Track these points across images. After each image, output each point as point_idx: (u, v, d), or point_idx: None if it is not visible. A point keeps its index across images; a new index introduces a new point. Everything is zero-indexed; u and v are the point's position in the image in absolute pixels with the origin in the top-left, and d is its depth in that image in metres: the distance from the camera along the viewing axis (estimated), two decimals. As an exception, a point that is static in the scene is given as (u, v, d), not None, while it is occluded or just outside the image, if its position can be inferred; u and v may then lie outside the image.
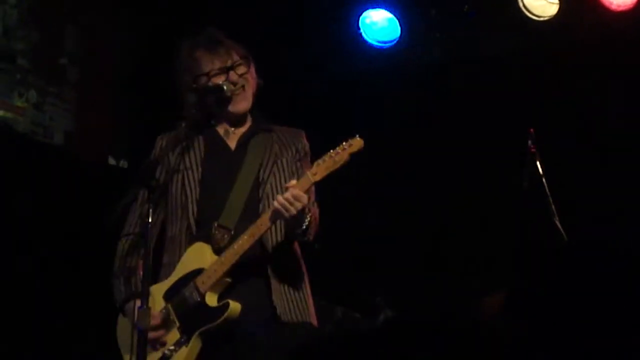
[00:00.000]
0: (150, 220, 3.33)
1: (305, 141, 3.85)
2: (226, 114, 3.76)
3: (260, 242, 3.55)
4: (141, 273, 3.32)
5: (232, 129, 3.80)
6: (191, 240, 3.61)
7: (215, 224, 3.57)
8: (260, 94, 3.85)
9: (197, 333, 3.46)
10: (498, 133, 5.77)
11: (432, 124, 6.14)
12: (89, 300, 4.99)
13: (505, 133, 5.44)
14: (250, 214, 3.58)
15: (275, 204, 3.40)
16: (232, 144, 3.78)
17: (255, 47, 3.86)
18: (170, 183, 3.71)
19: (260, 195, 3.65)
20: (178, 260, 3.61)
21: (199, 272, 3.51)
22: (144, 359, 3.20)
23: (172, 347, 3.51)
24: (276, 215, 3.43)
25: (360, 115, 6.17)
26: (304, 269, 3.74)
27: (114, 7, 6.23)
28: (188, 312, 3.50)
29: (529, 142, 4.46)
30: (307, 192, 3.43)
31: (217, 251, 3.52)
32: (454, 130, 6.02)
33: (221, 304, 3.45)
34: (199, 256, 3.54)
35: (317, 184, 3.47)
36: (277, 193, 3.56)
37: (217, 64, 3.72)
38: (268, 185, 3.66)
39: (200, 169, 3.70)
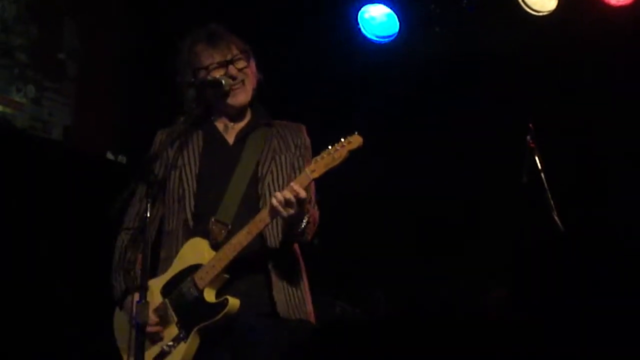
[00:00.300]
0: (148, 215, 3.33)
1: (305, 136, 3.84)
2: (225, 107, 3.76)
3: (260, 238, 3.53)
4: (140, 267, 3.32)
5: (232, 123, 3.79)
6: (188, 235, 3.59)
7: (213, 219, 3.55)
8: (260, 89, 3.84)
9: (195, 329, 3.46)
10: (497, 128, 5.77)
11: (430, 118, 6.14)
12: (88, 295, 4.99)
13: (504, 128, 5.44)
14: (248, 209, 3.56)
15: (274, 201, 3.39)
16: (231, 138, 3.77)
17: (254, 42, 3.86)
18: (168, 178, 3.70)
19: (259, 191, 3.64)
20: (175, 255, 3.59)
21: (196, 267, 3.50)
22: (142, 353, 3.20)
23: (170, 343, 3.50)
24: (274, 212, 3.42)
25: (359, 109, 6.17)
26: (302, 265, 3.73)
27: (113, 3, 6.22)
28: (186, 308, 3.49)
29: (528, 136, 4.46)
30: (306, 189, 3.41)
31: (215, 246, 3.52)
32: (453, 124, 6.02)
33: (220, 300, 3.44)
34: (196, 251, 3.53)
35: (315, 181, 3.46)
36: (276, 189, 3.56)
37: (217, 58, 3.71)
38: (267, 182, 3.65)
39: (198, 164, 3.69)
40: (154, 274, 3.58)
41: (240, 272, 3.51)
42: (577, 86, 5.71)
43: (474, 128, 5.94)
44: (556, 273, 4.19)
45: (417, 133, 6.13)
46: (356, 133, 3.39)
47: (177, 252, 3.60)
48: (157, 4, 6.19)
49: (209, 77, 3.68)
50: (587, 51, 5.65)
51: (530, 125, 4.54)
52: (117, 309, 3.67)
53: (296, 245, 3.72)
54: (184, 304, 3.50)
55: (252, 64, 3.81)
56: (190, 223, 3.61)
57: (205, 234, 3.55)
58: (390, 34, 6.07)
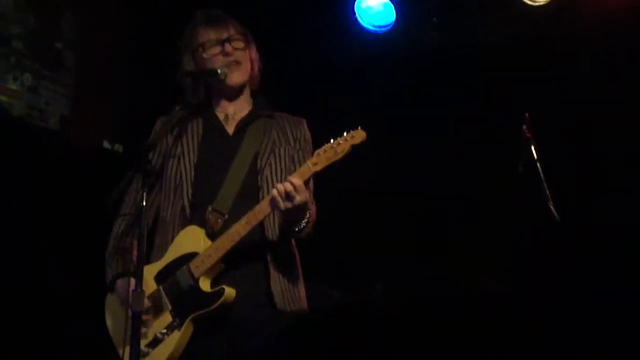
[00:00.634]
0: (144, 204, 3.32)
1: (305, 129, 3.83)
2: (222, 88, 3.75)
3: (259, 229, 3.53)
4: (135, 254, 3.30)
5: (232, 113, 3.79)
6: (184, 223, 3.59)
7: (210, 208, 3.56)
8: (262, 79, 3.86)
9: (190, 317, 3.46)
10: (493, 118, 5.77)
11: (427, 109, 6.13)
12: (85, 284, 4.99)
13: (501, 117, 5.44)
14: (245, 199, 3.56)
15: (274, 192, 3.38)
16: (231, 129, 3.77)
17: (250, 32, 3.86)
18: (166, 165, 3.70)
19: (258, 182, 3.63)
20: (170, 242, 3.59)
21: (192, 256, 3.50)
22: (138, 343, 3.19)
23: (164, 331, 3.49)
24: (274, 203, 3.42)
25: (356, 99, 6.16)
26: (297, 257, 3.74)
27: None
28: (181, 296, 3.49)
29: (524, 126, 4.46)
30: (306, 182, 3.41)
31: (211, 235, 3.52)
32: (449, 115, 6.01)
33: (216, 289, 3.45)
34: (192, 240, 3.53)
35: (314, 175, 3.45)
36: (275, 181, 3.56)
37: (213, 36, 3.72)
38: (265, 173, 3.64)
39: (196, 153, 3.69)
40: (147, 260, 3.57)
41: (238, 262, 3.51)
42: (574, 76, 5.70)
43: (471, 118, 5.94)
44: (556, 273, 4.20)
45: (413, 123, 6.13)
46: (359, 128, 3.39)
47: (172, 240, 3.59)
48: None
49: (205, 55, 3.69)
50: (584, 41, 5.65)
51: (527, 115, 4.53)
52: (109, 294, 3.67)
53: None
54: (179, 292, 3.50)
55: (253, 49, 3.82)
56: (187, 211, 3.61)
57: (202, 223, 3.55)
58: (387, 23, 6.06)
